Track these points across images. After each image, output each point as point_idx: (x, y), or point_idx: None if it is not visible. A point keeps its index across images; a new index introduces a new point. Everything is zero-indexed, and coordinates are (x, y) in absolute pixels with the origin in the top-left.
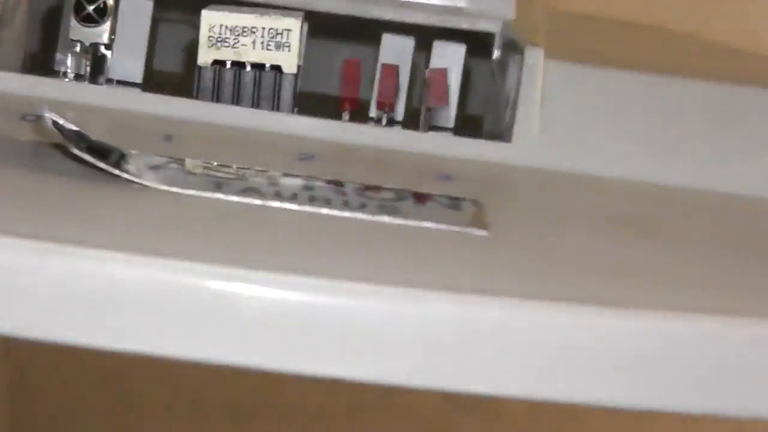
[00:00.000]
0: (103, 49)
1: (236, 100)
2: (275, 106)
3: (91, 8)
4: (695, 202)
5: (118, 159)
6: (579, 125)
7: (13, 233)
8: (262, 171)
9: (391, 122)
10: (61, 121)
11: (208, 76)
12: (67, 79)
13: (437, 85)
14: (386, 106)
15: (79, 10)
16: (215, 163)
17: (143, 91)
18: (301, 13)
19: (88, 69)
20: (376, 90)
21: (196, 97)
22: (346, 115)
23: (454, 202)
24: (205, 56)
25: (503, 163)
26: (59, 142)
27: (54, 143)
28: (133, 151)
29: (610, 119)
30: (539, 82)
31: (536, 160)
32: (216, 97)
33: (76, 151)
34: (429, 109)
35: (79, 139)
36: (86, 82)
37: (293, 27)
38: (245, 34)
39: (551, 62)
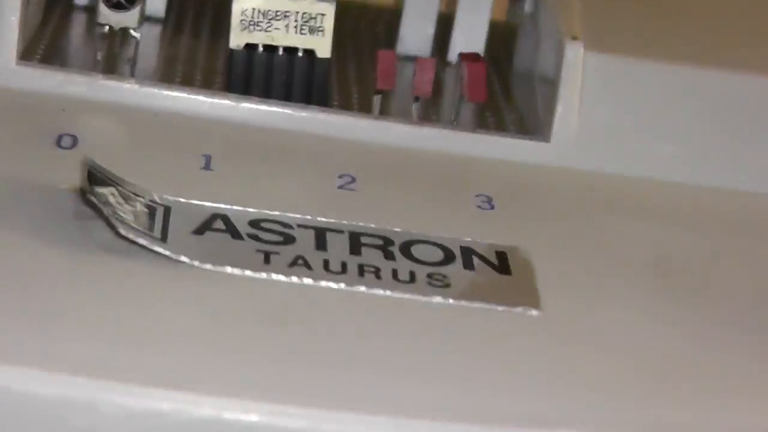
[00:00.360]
0: (132, 32)
1: (268, 84)
2: (308, 93)
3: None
4: (745, 213)
5: (164, 219)
6: (619, 122)
7: (60, 367)
8: (305, 225)
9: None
10: (98, 174)
11: (240, 60)
12: (96, 75)
13: (475, 81)
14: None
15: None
16: (259, 216)
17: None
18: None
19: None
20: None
21: (228, 81)
22: (376, 105)
23: (502, 260)
24: (237, 39)
25: (541, 165)
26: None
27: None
28: (175, 204)
29: (653, 115)
30: (579, 80)
31: (575, 161)
32: (247, 81)
33: (121, 231)
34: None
35: (118, 193)
36: (115, 80)
37: (327, 11)
38: (278, 18)
39: (589, 54)
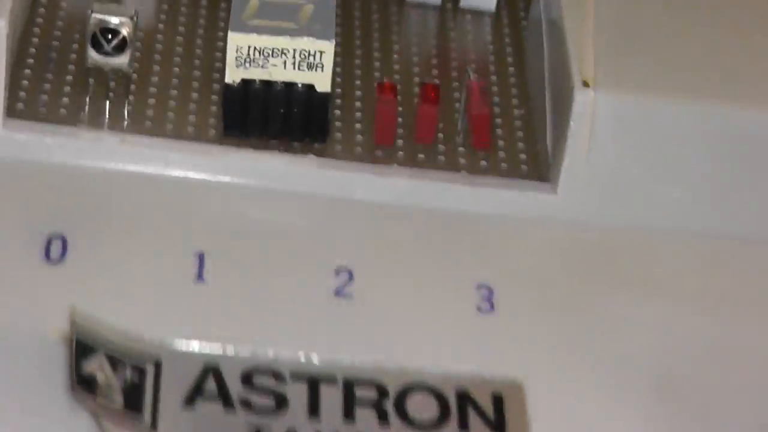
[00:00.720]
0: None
1: (265, 119)
2: (307, 126)
3: (110, 46)
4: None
5: (154, 387)
6: (631, 169)
7: None
8: (298, 374)
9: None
10: (86, 341)
11: (235, 93)
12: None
13: (481, 127)
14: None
15: (96, 45)
16: (251, 365)
17: None
18: (334, 34)
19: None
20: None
21: (224, 117)
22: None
23: (498, 410)
24: (232, 75)
25: (546, 219)
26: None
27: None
28: (165, 356)
29: (669, 160)
30: (589, 130)
31: (582, 214)
32: (244, 115)
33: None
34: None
35: (107, 362)
36: (107, 137)
37: (326, 49)
38: (275, 55)
39: (601, 98)
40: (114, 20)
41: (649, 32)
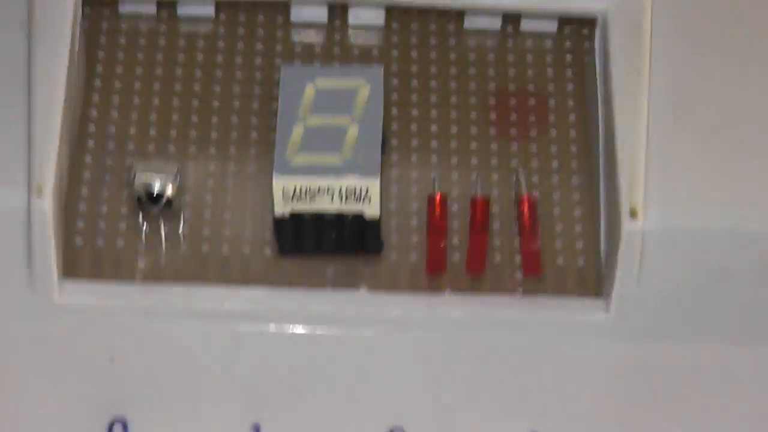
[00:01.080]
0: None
1: (319, 242)
2: (361, 244)
3: (156, 209)
4: None
5: None
6: (682, 288)
7: None
8: None
9: None
10: None
11: (286, 226)
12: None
13: (532, 261)
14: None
15: (143, 205)
16: None
17: None
18: (379, 166)
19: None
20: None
21: (278, 245)
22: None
23: None
24: (281, 209)
25: (598, 342)
26: None
27: None
28: None
29: (717, 280)
30: (639, 256)
31: (634, 335)
32: (297, 242)
33: None
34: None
35: None
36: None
37: (372, 186)
38: (321, 193)
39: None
40: (157, 185)
41: (702, 149)
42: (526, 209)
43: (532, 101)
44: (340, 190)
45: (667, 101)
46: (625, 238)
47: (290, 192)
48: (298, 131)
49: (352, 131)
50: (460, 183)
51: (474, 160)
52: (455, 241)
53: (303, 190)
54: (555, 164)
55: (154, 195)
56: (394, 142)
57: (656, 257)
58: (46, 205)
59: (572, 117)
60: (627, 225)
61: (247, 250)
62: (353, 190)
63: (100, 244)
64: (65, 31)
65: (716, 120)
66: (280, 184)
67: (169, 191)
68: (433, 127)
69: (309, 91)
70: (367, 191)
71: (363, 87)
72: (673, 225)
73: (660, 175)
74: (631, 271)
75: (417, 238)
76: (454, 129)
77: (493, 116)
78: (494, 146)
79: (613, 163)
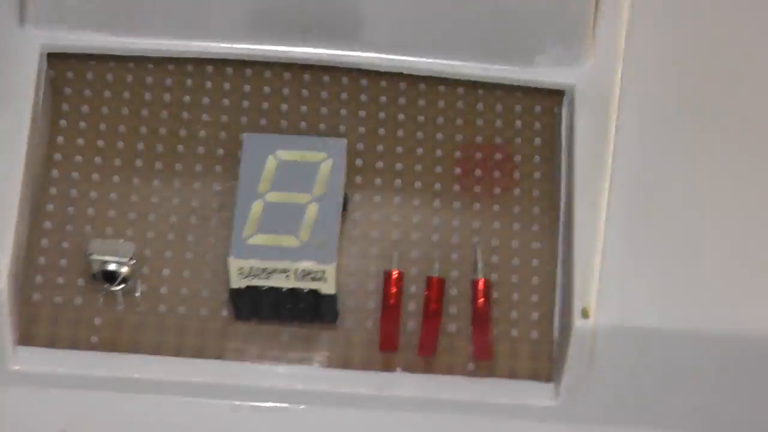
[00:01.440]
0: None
1: (275, 310)
2: (317, 313)
3: (114, 285)
4: None
5: None
6: (632, 379)
7: None
8: None
9: None
10: None
11: (243, 297)
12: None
13: (483, 347)
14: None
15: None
16: None
17: None
18: (335, 253)
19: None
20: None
21: (235, 315)
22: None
23: None
24: (237, 283)
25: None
26: None
27: None
28: None
29: (668, 373)
30: (589, 352)
31: (584, 418)
32: (253, 310)
33: None
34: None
35: None
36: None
37: (328, 270)
38: (278, 272)
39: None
40: (112, 265)
41: (660, 247)
42: (480, 295)
43: (498, 155)
44: (296, 271)
45: (628, 193)
46: (576, 335)
47: (246, 271)
48: (257, 207)
49: (311, 210)
50: (420, 254)
51: (436, 220)
52: (410, 320)
53: (259, 270)
54: (516, 226)
55: (111, 274)
56: (356, 197)
57: (607, 352)
58: (2, 270)
59: (537, 174)
60: (578, 323)
61: (204, 317)
62: (309, 272)
63: (56, 311)
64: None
65: (675, 216)
66: (236, 264)
67: (125, 270)
68: (397, 181)
69: (270, 162)
70: (323, 274)
71: (325, 162)
72: (625, 323)
73: (616, 271)
74: (582, 363)
75: (372, 312)
76: (418, 184)
77: (458, 170)
78: (457, 204)
79: (570, 259)
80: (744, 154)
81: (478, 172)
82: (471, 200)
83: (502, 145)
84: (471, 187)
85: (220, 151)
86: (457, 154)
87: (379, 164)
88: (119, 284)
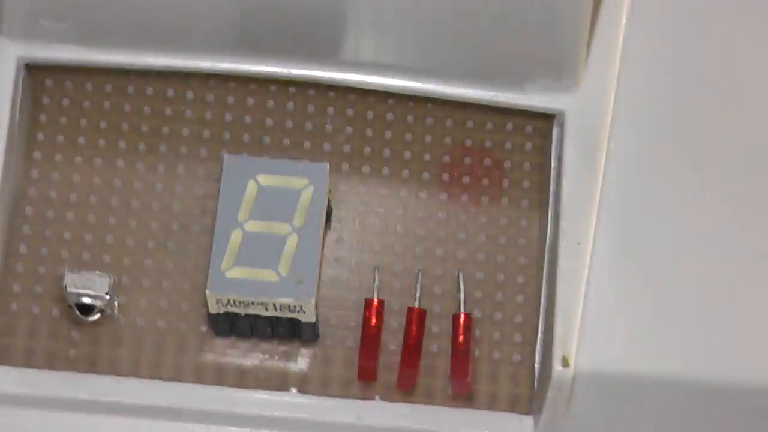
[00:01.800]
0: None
1: (253, 332)
2: (295, 334)
3: (90, 316)
4: None
5: None
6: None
7: None
8: None
9: None
10: None
11: (221, 320)
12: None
13: (462, 387)
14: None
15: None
16: None
17: None
18: (315, 289)
19: None
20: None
21: (214, 332)
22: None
23: None
24: (215, 309)
25: None
26: None
27: None
28: None
29: (647, 414)
30: (567, 398)
31: None
32: (230, 331)
33: None
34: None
35: None
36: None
37: (306, 304)
38: (256, 305)
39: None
40: (87, 299)
41: (643, 293)
42: (461, 332)
43: (487, 161)
44: (275, 305)
45: (614, 233)
46: (555, 381)
47: (224, 302)
48: (236, 237)
49: (291, 243)
50: (402, 282)
51: (419, 246)
52: (390, 342)
53: (237, 302)
54: (501, 258)
55: (86, 307)
56: (340, 211)
57: (585, 395)
58: None
59: (526, 183)
60: (558, 369)
61: (183, 332)
62: (288, 305)
63: (30, 333)
64: None
65: (659, 258)
66: (213, 296)
67: (100, 303)
68: (381, 203)
69: (251, 188)
70: (302, 308)
71: (306, 189)
72: (605, 369)
73: (598, 317)
74: (560, 405)
75: (353, 331)
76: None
77: (445, 177)
78: (442, 214)
79: (552, 304)
80: (737, 193)
81: (464, 198)
82: (456, 227)
83: (491, 167)
84: (457, 211)
85: (201, 170)
86: (445, 176)
87: (362, 188)
88: (95, 315)
